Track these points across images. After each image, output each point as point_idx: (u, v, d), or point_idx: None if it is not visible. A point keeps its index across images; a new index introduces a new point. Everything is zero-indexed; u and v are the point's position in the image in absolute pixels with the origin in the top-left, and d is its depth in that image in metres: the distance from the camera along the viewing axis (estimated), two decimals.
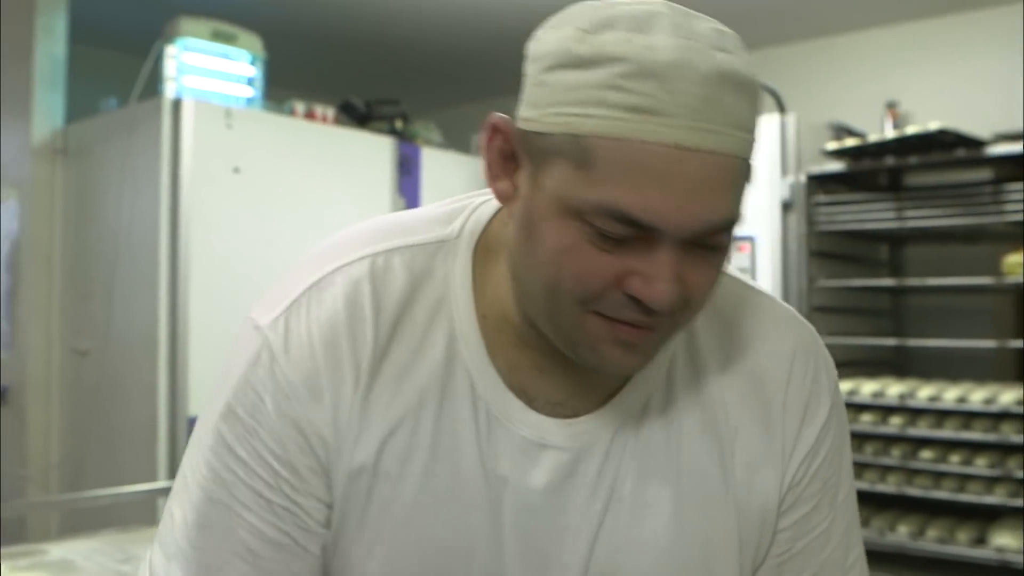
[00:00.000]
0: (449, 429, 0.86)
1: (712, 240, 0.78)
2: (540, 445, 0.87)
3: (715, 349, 0.92)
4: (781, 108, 3.65)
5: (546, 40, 0.79)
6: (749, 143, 0.77)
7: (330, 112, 3.84)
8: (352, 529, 0.86)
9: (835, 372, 0.97)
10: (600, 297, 0.78)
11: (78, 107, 3.84)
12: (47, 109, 3.78)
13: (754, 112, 0.77)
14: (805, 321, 0.98)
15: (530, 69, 0.80)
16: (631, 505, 0.88)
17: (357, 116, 4.03)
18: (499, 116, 0.81)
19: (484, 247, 0.89)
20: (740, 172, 0.77)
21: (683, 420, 0.90)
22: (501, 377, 0.87)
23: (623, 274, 0.77)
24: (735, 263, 3.65)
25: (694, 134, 0.73)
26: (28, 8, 3.79)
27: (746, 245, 3.64)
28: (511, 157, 0.81)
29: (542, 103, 0.77)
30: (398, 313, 0.86)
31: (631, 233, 0.75)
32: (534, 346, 0.87)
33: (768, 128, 3.59)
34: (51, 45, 3.80)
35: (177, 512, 0.87)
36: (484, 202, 0.92)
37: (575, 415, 0.88)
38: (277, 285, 0.90)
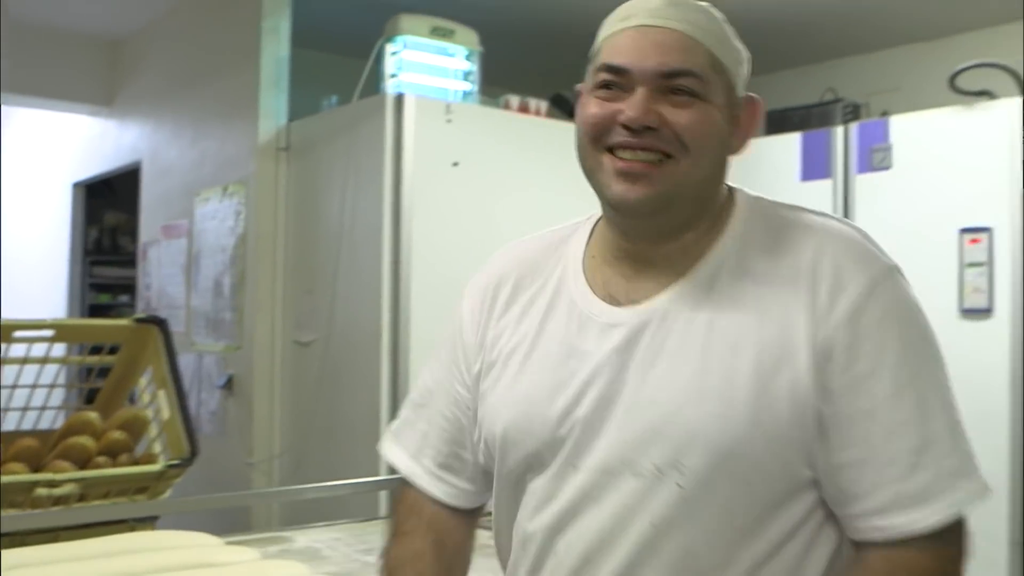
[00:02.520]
0: (549, 328, 1.21)
1: (675, 84, 1.10)
2: (614, 324, 1.15)
3: (761, 256, 1.13)
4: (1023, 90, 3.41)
5: None
6: (694, 28, 1.11)
7: (543, 105, 3.83)
8: (487, 394, 1.25)
9: (883, 262, 1.12)
10: (604, 131, 1.12)
11: (300, 108, 3.95)
12: (272, 108, 3.91)
13: (698, 17, 1.13)
14: (849, 227, 1.15)
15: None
16: (669, 359, 1.11)
17: (568, 109, 4.00)
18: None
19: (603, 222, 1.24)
20: (691, 44, 1.10)
21: (721, 296, 1.12)
22: (594, 291, 1.20)
23: (615, 112, 1.11)
24: (968, 256, 3.45)
25: (650, 21, 1.12)
26: (254, 13, 3.94)
27: (981, 237, 3.42)
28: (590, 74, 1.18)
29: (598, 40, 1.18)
30: (526, 260, 1.29)
31: (613, 79, 1.12)
32: (621, 258, 1.20)
33: (1007, 112, 3.36)
34: (276, 48, 3.94)
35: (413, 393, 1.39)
36: None
37: (633, 301, 1.17)
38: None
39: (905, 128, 3.62)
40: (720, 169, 1.16)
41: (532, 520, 1.18)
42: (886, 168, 3.66)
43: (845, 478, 1.06)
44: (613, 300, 1.17)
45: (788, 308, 1.08)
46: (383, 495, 3.14)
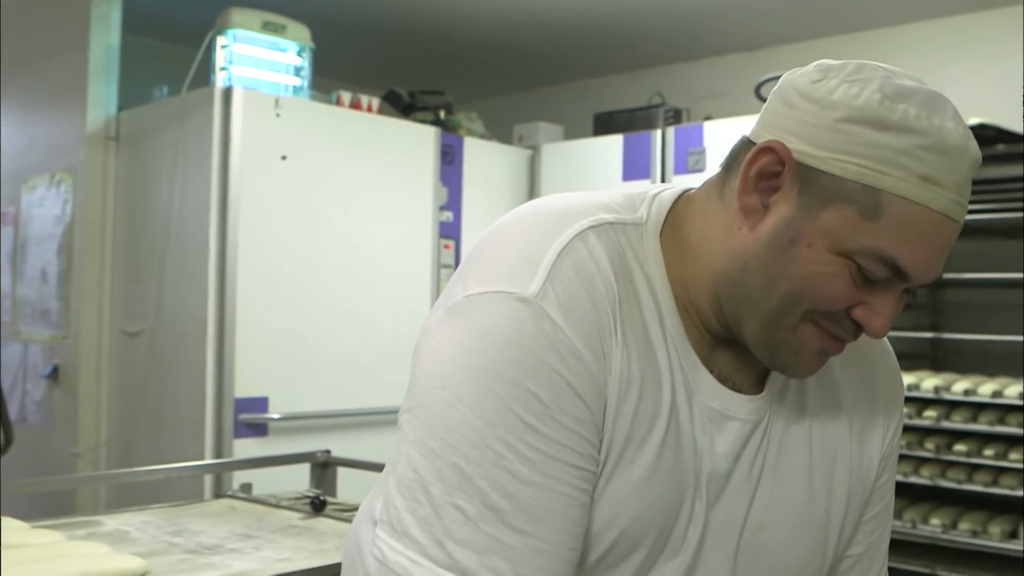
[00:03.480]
0: (670, 398, 0.93)
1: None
2: (726, 416, 0.97)
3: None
4: None
5: (840, 92, 0.88)
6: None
7: (375, 102, 3.91)
8: (613, 477, 0.91)
9: None
10: (830, 314, 0.91)
11: (131, 96, 3.94)
12: (101, 97, 3.88)
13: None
14: None
15: (813, 110, 0.88)
16: (774, 471, 1.00)
17: (402, 106, 4.10)
18: (779, 142, 0.89)
19: (668, 233, 0.97)
20: None
21: (811, 400, 1.04)
22: (695, 351, 0.96)
23: (857, 302, 0.90)
24: None
25: (956, 207, 0.87)
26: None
27: None
28: (771, 178, 0.90)
29: (834, 148, 0.87)
30: (619, 277, 0.92)
31: (886, 276, 0.88)
32: (710, 329, 0.97)
33: None
34: (106, 35, 3.90)
35: (470, 506, 0.84)
36: (660, 192, 1.00)
37: (738, 390, 0.98)
38: (506, 255, 0.90)
39: (717, 133, 3.85)
40: None
41: None
42: (700, 170, 3.88)
43: (842, 568, 1.12)
44: (718, 376, 0.98)
45: (867, 429, 1.08)
46: (208, 479, 3.18)
